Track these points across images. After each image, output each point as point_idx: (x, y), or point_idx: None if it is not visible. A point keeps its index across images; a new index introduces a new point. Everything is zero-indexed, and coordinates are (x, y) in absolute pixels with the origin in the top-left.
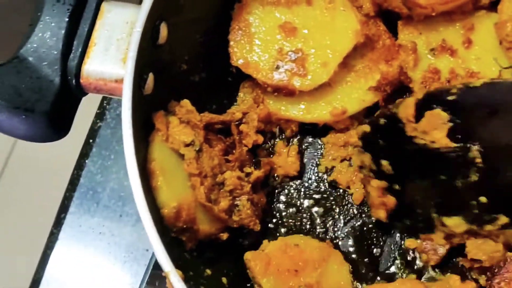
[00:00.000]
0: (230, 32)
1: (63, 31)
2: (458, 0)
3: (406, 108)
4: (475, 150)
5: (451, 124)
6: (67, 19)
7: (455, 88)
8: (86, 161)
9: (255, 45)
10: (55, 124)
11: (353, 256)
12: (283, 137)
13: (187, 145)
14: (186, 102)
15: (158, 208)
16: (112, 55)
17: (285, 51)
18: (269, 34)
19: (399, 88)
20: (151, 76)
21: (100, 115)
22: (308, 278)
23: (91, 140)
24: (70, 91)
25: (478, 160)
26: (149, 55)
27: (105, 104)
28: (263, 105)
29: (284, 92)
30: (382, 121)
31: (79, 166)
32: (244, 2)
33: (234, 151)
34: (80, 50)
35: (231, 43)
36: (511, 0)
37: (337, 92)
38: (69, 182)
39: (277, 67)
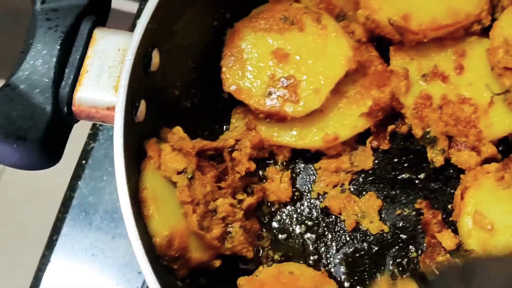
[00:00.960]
0: (223, 58)
1: (54, 59)
2: (449, 27)
3: None
4: None
5: None
6: (58, 47)
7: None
8: (79, 182)
9: (247, 71)
10: (47, 152)
11: (346, 284)
12: (276, 163)
13: (179, 173)
14: (178, 129)
15: (150, 236)
16: (104, 82)
17: (277, 77)
18: (262, 60)
19: (390, 114)
20: (143, 103)
21: (93, 136)
22: None
23: (83, 161)
24: (62, 119)
25: None
26: (141, 83)
27: (98, 125)
28: (255, 132)
29: (276, 118)
30: None
31: (72, 187)
32: (236, 28)
33: (226, 178)
34: (72, 77)
35: (224, 69)
36: (503, 27)
37: (329, 118)
38: (61, 204)
39: (269, 93)
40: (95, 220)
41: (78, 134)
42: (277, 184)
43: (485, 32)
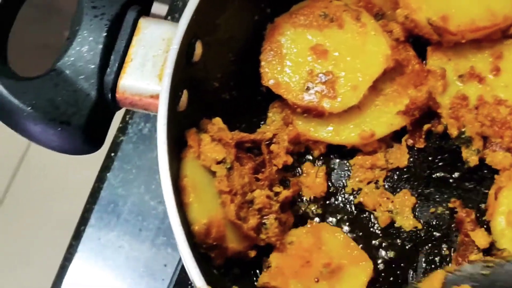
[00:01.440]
0: (262, 52)
1: (100, 46)
2: (487, 29)
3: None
4: None
5: None
6: (104, 34)
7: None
8: (108, 174)
9: (286, 66)
10: (89, 137)
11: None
12: (312, 157)
13: (218, 163)
14: (217, 120)
15: (189, 224)
16: (148, 71)
17: (316, 73)
18: (300, 55)
19: (427, 113)
20: (185, 93)
21: (122, 130)
22: (321, 258)
23: (113, 154)
24: (106, 105)
25: None
26: (184, 72)
27: (127, 119)
28: (292, 126)
29: (314, 113)
30: None
31: (100, 179)
32: (276, 23)
33: (263, 170)
34: (116, 65)
35: (263, 63)
36: None
37: (366, 115)
38: (89, 195)
39: (307, 89)
40: (123, 213)
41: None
42: (313, 178)
43: None
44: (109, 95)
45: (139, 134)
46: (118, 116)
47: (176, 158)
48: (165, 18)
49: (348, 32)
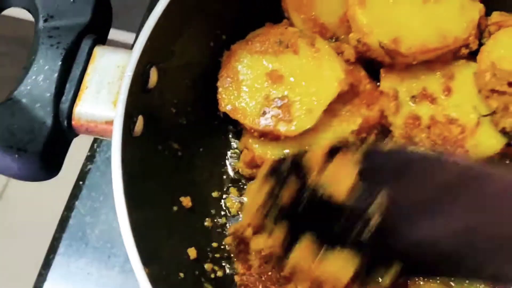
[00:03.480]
0: (219, 79)
1: (56, 74)
2: (438, 50)
3: (314, 154)
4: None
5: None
6: (60, 63)
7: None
8: (76, 202)
9: (242, 91)
10: (46, 164)
11: None
12: None
13: None
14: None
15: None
16: (103, 98)
17: (272, 97)
18: (257, 81)
19: (380, 131)
20: (140, 119)
21: (90, 158)
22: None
23: (81, 182)
24: (62, 132)
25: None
26: (139, 99)
27: (95, 147)
28: (247, 150)
29: (270, 137)
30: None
31: (69, 207)
32: (232, 50)
33: None
34: (72, 92)
35: (220, 89)
36: (489, 51)
37: (321, 136)
38: (58, 224)
39: (264, 113)
40: (91, 240)
41: (76, 156)
42: None
43: (472, 56)
44: (65, 122)
45: (107, 162)
46: (86, 144)
47: (132, 182)
48: (132, 46)
49: (303, 57)
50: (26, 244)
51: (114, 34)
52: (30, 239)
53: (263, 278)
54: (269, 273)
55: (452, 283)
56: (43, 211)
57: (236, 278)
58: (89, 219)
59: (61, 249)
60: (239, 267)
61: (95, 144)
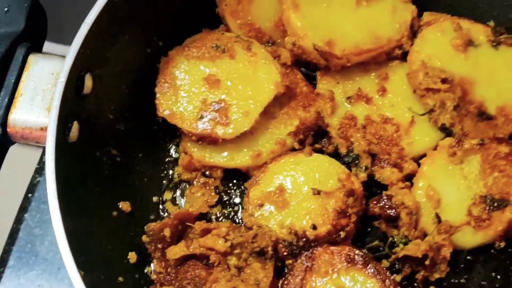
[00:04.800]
0: (157, 85)
1: None
2: (372, 51)
3: None
4: None
5: None
6: None
7: None
8: (25, 215)
9: (180, 96)
10: None
11: None
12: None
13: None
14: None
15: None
16: (37, 104)
17: (209, 101)
18: (194, 86)
19: (318, 132)
20: (75, 125)
21: (39, 170)
22: None
23: (30, 195)
24: None
25: None
26: (74, 105)
27: (44, 160)
28: (184, 154)
29: (208, 140)
30: None
31: (18, 220)
32: (170, 56)
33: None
34: (6, 100)
35: (158, 95)
36: (418, 51)
37: (259, 139)
38: (8, 236)
39: (201, 117)
40: (41, 252)
41: (25, 169)
42: None
43: (406, 56)
44: (0, 129)
45: None
46: (35, 157)
47: (69, 189)
48: None
49: (239, 61)
50: None
51: (50, 47)
52: None
53: (179, 277)
54: (186, 273)
55: None
56: None
57: (153, 276)
58: (38, 231)
59: (10, 261)
60: (156, 265)
61: (44, 157)
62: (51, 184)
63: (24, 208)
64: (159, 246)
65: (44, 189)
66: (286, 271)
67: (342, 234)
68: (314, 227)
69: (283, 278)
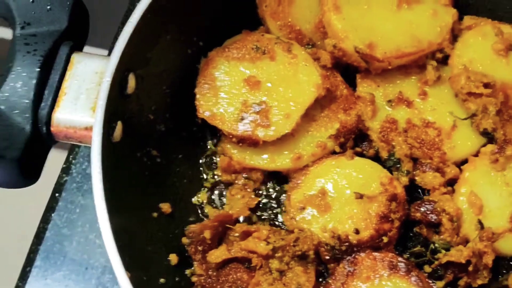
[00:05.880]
0: (197, 86)
1: (34, 81)
2: (413, 55)
3: None
4: None
5: None
6: (38, 69)
7: None
8: (52, 214)
9: (220, 98)
10: (25, 171)
11: None
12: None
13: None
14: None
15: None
16: (81, 104)
17: (249, 103)
18: (234, 87)
19: (359, 135)
20: (119, 125)
21: (66, 170)
22: None
23: (57, 194)
24: (41, 139)
25: None
26: (117, 104)
27: (71, 159)
28: (223, 156)
29: (248, 142)
30: None
31: (45, 219)
32: (210, 57)
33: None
34: (50, 99)
35: (198, 96)
36: (460, 55)
37: (299, 141)
38: (35, 236)
39: (242, 119)
40: (69, 252)
41: (52, 168)
42: None
43: (447, 60)
44: (44, 128)
45: (83, 174)
46: (62, 157)
47: (111, 189)
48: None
49: (280, 63)
50: (2, 257)
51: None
52: (7, 251)
53: (220, 280)
54: (228, 276)
55: None
56: (20, 223)
57: (194, 278)
58: (66, 231)
59: (37, 261)
60: (197, 268)
61: (71, 156)
62: (97, 184)
63: (51, 207)
64: (200, 248)
65: (71, 188)
66: (327, 275)
67: (385, 239)
68: (357, 232)
69: (324, 282)
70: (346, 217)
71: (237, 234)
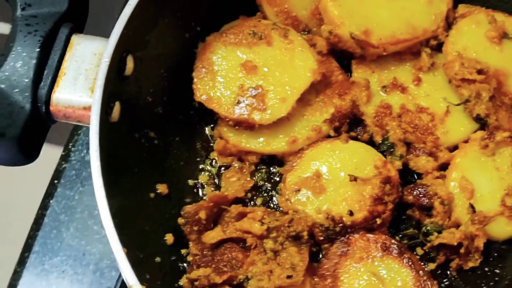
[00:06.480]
0: (194, 70)
1: (34, 61)
2: (407, 41)
3: None
4: None
5: None
6: (38, 50)
7: None
8: (51, 201)
9: (217, 82)
10: (24, 149)
11: None
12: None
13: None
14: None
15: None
16: (80, 84)
17: (246, 87)
18: (231, 71)
19: (353, 119)
20: (117, 105)
21: (65, 157)
22: None
23: (56, 181)
24: (40, 118)
25: None
26: (116, 85)
27: (70, 147)
28: (220, 139)
29: (245, 125)
30: None
31: (44, 206)
32: (207, 41)
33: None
34: (50, 79)
35: (195, 80)
36: (454, 42)
37: (295, 125)
38: (33, 222)
39: (238, 102)
40: (66, 238)
41: (51, 155)
42: None
43: (441, 47)
44: (43, 107)
45: (82, 161)
46: (61, 143)
47: (109, 169)
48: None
49: (276, 48)
50: (1, 242)
51: None
52: (5, 237)
53: (215, 260)
54: (223, 255)
55: None
56: (18, 209)
57: (189, 257)
58: (63, 218)
59: (36, 247)
60: (193, 248)
61: (70, 144)
62: (95, 162)
63: (49, 194)
64: (195, 228)
65: (70, 175)
66: (321, 256)
67: (379, 220)
68: (351, 213)
69: (319, 263)
70: (341, 199)
71: (232, 215)
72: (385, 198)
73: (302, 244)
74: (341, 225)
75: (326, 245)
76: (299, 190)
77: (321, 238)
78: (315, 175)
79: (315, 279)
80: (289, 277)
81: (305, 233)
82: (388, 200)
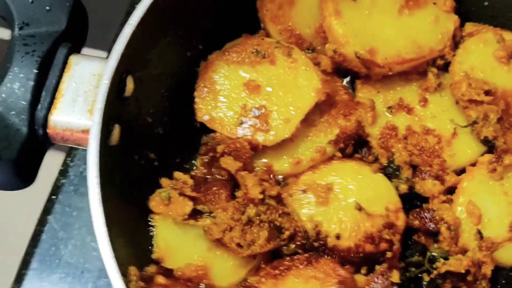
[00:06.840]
0: (196, 89)
1: (31, 82)
2: (414, 61)
3: None
4: None
5: None
6: (35, 71)
7: None
8: (49, 217)
9: (220, 102)
10: (21, 172)
11: None
12: None
13: (193, 215)
14: (178, 174)
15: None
16: (79, 106)
17: (249, 107)
18: (234, 91)
19: (358, 141)
20: (117, 128)
21: (63, 172)
22: None
23: (53, 197)
24: (37, 140)
25: None
26: (115, 107)
27: (68, 162)
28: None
29: (249, 147)
30: None
31: (42, 222)
32: (209, 60)
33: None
34: (48, 100)
35: (197, 99)
36: (461, 62)
37: (299, 146)
38: (31, 238)
39: (241, 123)
40: (65, 255)
41: (49, 170)
42: None
43: (448, 67)
44: (41, 130)
45: (80, 177)
46: (59, 159)
47: (109, 192)
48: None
49: (280, 67)
50: None
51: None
52: (3, 254)
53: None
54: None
55: None
56: (16, 225)
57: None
58: (62, 234)
59: (33, 264)
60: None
61: (68, 159)
62: (94, 188)
63: (47, 210)
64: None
65: (68, 191)
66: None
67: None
68: (338, 237)
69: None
70: (336, 219)
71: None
72: (380, 245)
73: (277, 238)
74: (322, 242)
75: (299, 250)
76: (305, 191)
77: (298, 243)
78: (327, 186)
79: (260, 274)
80: (238, 245)
81: (287, 233)
82: (381, 247)
